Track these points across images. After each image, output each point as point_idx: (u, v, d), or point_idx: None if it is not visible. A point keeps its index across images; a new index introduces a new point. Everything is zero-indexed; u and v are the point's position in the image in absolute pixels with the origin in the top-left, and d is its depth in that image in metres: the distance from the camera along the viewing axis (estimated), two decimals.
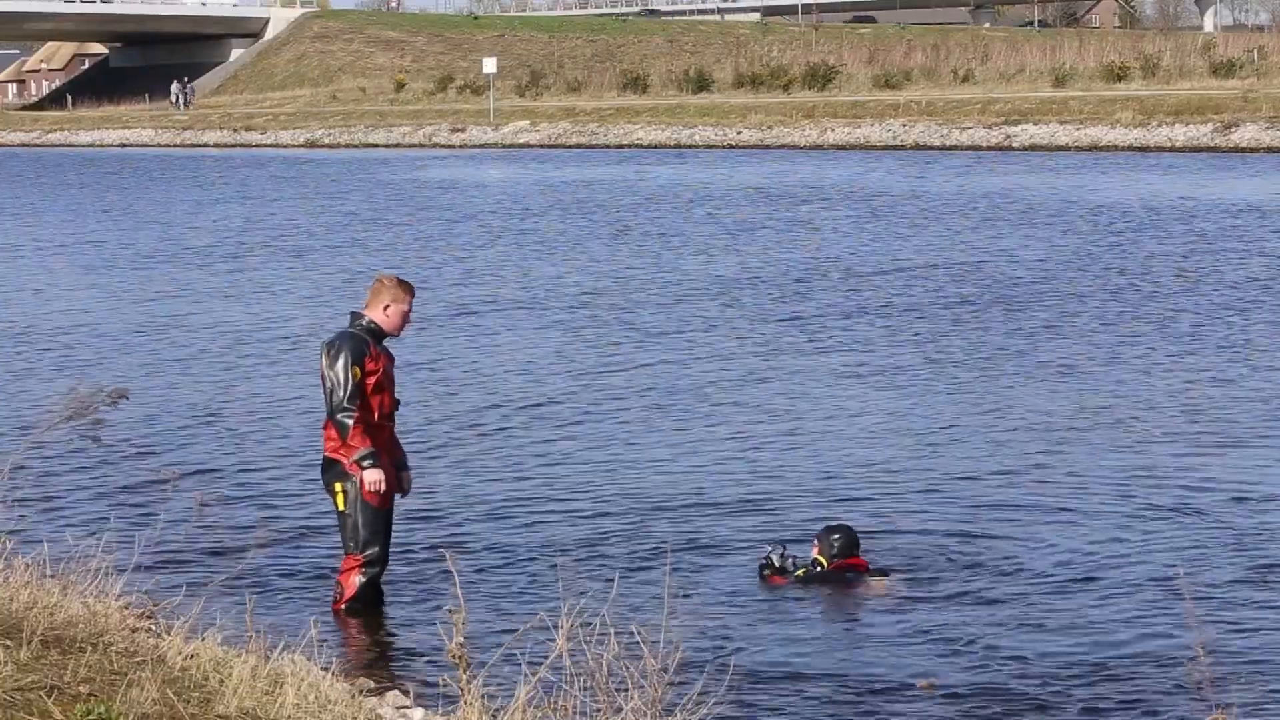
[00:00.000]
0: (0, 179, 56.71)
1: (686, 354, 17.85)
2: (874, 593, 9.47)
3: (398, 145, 67.69)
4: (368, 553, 9.17)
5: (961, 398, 15.10)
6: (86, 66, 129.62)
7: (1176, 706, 7.72)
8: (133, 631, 6.97)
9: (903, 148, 52.47)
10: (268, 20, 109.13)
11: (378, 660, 8.63)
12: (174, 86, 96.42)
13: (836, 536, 9.72)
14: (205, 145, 76.01)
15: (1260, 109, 47.67)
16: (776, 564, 9.65)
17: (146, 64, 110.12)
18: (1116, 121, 49.83)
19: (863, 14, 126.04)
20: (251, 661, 6.39)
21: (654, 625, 6.13)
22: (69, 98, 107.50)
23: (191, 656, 6.51)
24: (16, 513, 10.03)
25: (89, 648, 6.21)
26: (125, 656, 6.31)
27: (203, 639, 6.74)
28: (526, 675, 6.03)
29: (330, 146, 70.12)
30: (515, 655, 6.76)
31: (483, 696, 6.03)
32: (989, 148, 50.37)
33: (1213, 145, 46.03)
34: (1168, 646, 8.44)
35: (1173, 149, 46.48)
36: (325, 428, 9.16)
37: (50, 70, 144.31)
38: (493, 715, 6.09)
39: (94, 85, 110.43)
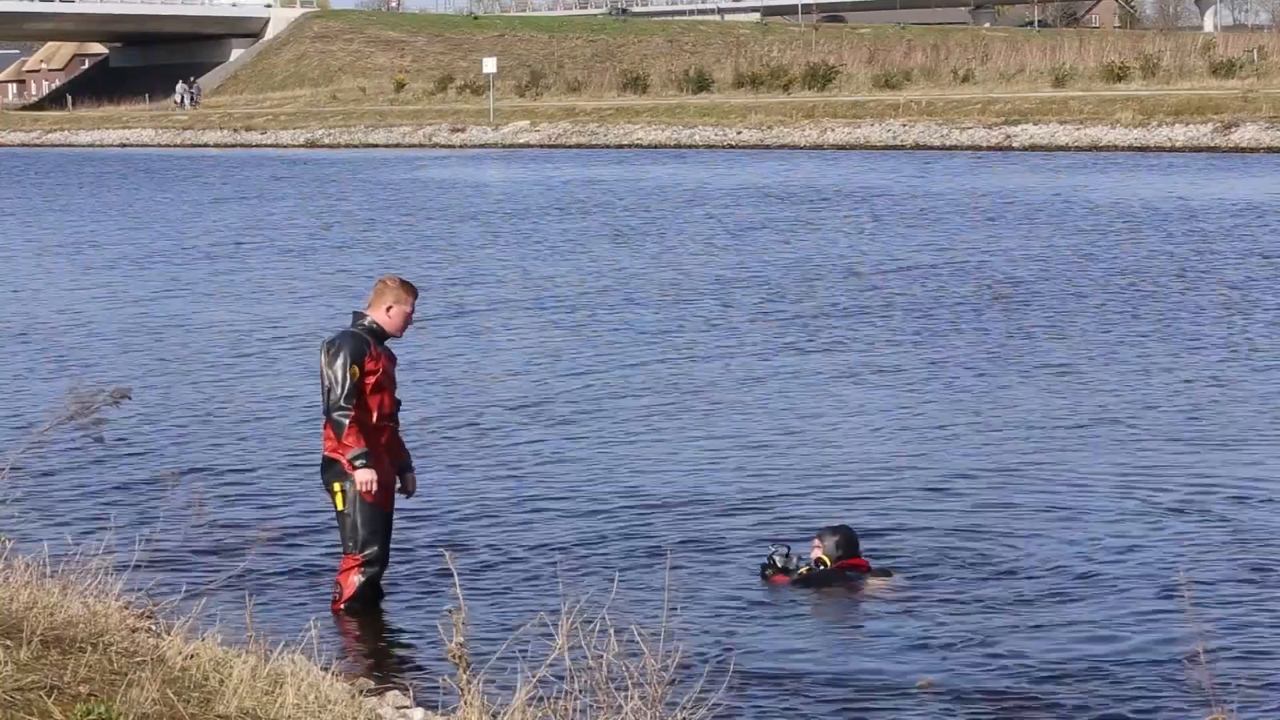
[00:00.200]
0: (0, 179, 56.71)
1: (686, 353, 17.86)
2: (875, 593, 9.47)
3: (398, 145, 67.69)
4: (366, 552, 9.17)
5: (961, 397, 15.10)
6: (86, 66, 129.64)
7: (1176, 706, 7.72)
8: (133, 631, 6.97)
9: (903, 148, 52.47)
10: (268, 20, 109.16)
11: (378, 660, 8.64)
12: (179, 86, 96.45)
13: (839, 536, 9.72)
14: (205, 145, 76.02)
15: (1260, 109, 47.67)
16: (780, 564, 9.65)
17: (146, 64, 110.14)
18: (1116, 121, 49.83)
19: (833, 14, 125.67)
20: (251, 661, 6.39)
21: (654, 625, 6.12)
22: (69, 98, 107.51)
23: (191, 656, 6.51)
24: (16, 513, 10.04)
25: (89, 648, 6.21)
26: (125, 656, 6.31)
27: (203, 639, 6.74)
28: (526, 675, 6.03)
29: (330, 146, 70.12)
30: (515, 655, 6.76)
31: (483, 696, 6.03)
32: (989, 148, 50.37)
33: (1213, 145, 46.03)
34: (1168, 646, 8.44)
35: (1173, 149, 46.48)
36: (325, 427, 9.16)
37: (50, 70, 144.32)
38: (493, 715, 6.09)
39: (94, 85, 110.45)
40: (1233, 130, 46.56)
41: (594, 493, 11.90)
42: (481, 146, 64.05)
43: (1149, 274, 22.76)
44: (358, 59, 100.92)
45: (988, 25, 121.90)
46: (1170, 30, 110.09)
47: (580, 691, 5.98)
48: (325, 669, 6.72)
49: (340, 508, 9.16)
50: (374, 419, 9.12)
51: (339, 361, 8.99)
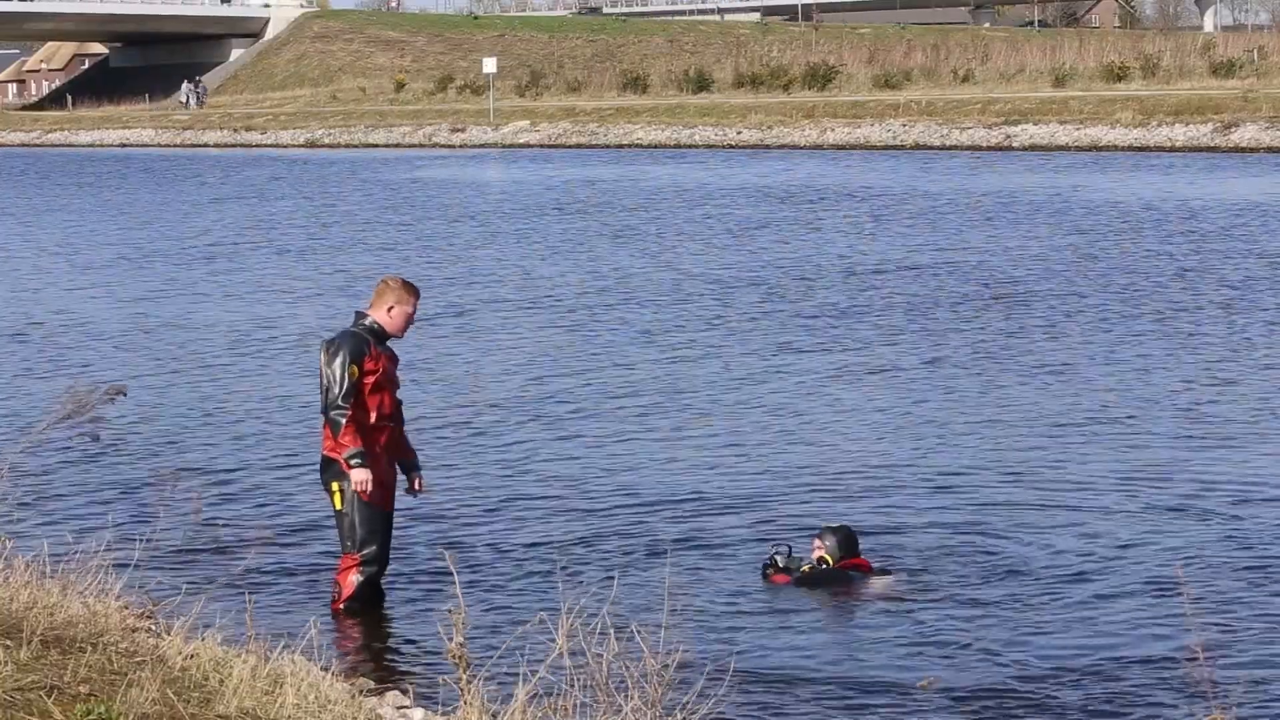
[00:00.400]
0: (0, 179, 56.70)
1: (686, 353, 17.85)
2: (876, 593, 9.47)
3: (398, 145, 67.69)
4: (365, 552, 9.17)
5: (961, 397, 15.09)
6: (86, 66, 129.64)
7: (1176, 706, 7.72)
8: (133, 631, 6.97)
9: (903, 148, 52.47)
10: (268, 20, 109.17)
11: (378, 660, 8.63)
12: (184, 85, 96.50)
13: (840, 536, 9.72)
14: (205, 145, 76.02)
15: (1260, 109, 47.66)
16: (781, 564, 9.65)
17: (146, 64, 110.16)
18: (1116, 121, 49.82)
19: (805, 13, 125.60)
20: (251, 661, 6.38)
21: (654, 625, 6.12)
22: (69, 98, 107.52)
23: (191, 656, 6.51)
24: (16, 512, 10.04)
25: (89, 648, 6.21)
26: (125, 656, 6.30)
27: (203, 639, 6.74)
28: (526, 675, 6.03)
29: (330, 146, 70.13)
30: (515, 655, 6.76)
31: (483, 696, 6.03)
32: (989, 148, 50.37)
33: (1213, 145, 46.02)
34: (1167, 646, 8.44)
35: (1173, 149, 46.47)
36: (324, 426, 9.17)
37: (50, 70, 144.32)
38: (493, 715, 6.09)
39: (94, 85, 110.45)
40: (1233, 130, 46.56)
41: (594, 492, 11.90)
42: (481, 146, 64.05)
43: (1149, 274, 22.76)
44: (358, 59, 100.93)
45: (988, 25, 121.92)
46: (1170, 30, 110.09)
47: (580, 691, 5.98)
48: (325, 669, 6.72)
49: (338, 507, 9.17)
50: (373, 419, 9.12)
51: (338, 361, 8.99)
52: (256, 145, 73.51)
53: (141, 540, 8.60)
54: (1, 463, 8.43)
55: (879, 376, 16.25)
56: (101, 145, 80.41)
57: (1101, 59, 65.78)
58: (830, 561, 9.62)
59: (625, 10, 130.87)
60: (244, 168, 57.15)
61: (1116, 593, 9.34)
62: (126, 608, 7.38)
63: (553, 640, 5.87)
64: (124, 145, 79.34)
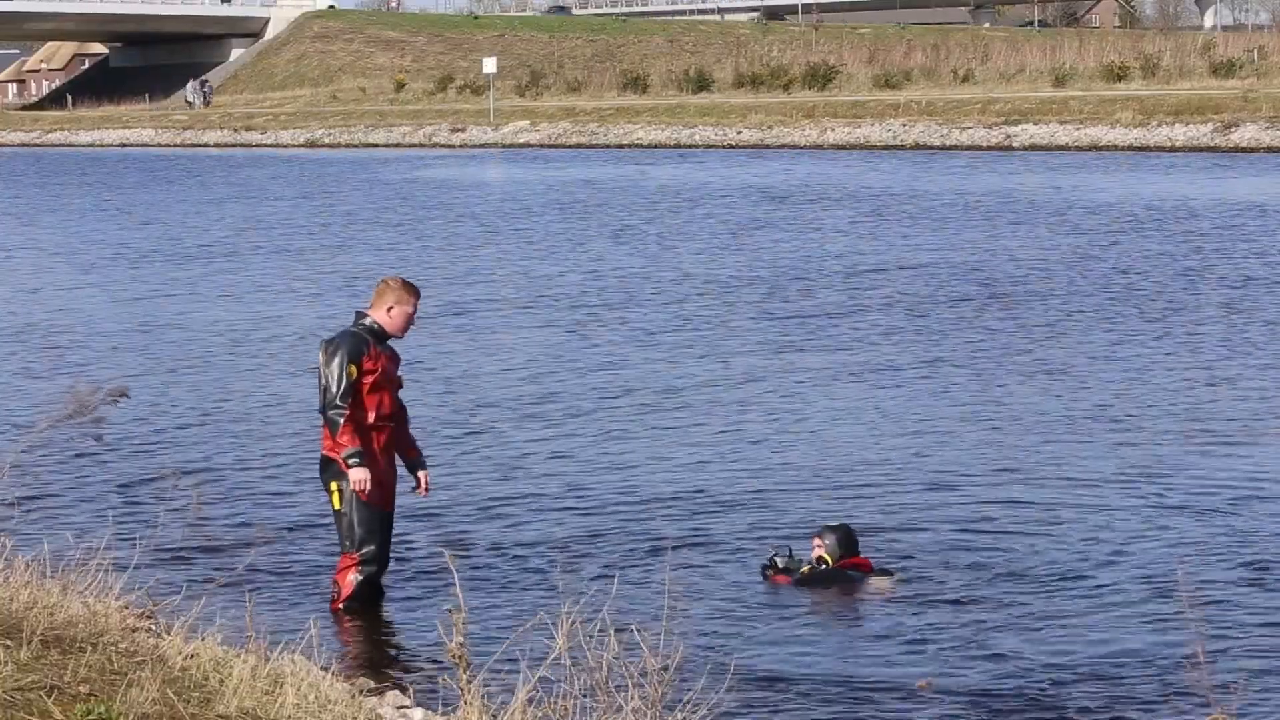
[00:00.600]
0: (0, 179, 56.70)
1: (686, 352, 17.85)
2: (876, 593, 9.47)
3: (398, 145, 67.70)
4: (364, 551, 9.17)
5: (961, 396, 15.09)
6: (86, 66, 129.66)
7: (1176, 706, 7.71)
8: (133, 631, 6.97)
9: (903, 148, 52.48)
10: (268, 20, 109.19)
11: (378, 660, 8.63)
12: (190, 85, 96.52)
13: (839, 535, 9.72)
14: (205, 145, 76.05)
15: (1260, 109, 47.67)
16: (781, 564, 9.65)
17: (146, 64, 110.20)
18: (1116, 121, 49.83)
19: (772, 13, 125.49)
20: (251, 661, 6.38)
21: (654, 625, 6.12)
22: (69, 98, 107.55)
23: (191, 656, 6.50)
24: (16, 512, 10.04)
25: (89, 648, 6.21)
26: (125, 656, 6.30)
27: (203, 639, 6.74)
28: (526, 675, 6.03)
29: (330, 146, 70.14)
30: (515, 655, 6.76)
31: (483, 696, 6.03)
32: (989, 148, 50.38)
33: (1213, 145, 46.03)
34: (1167, 646, 8.43)
35: (1173, 149, 46.48)
36: (324, 426, 9.17)
37: (50, 70, 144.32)
38: (493, 715, 6.09)
39: (94, 85, 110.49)
40: (1233, 130, 46.56)
41: (594, 492, 11.90)
42: (481, 146, 64.06)
43: (1149, 274, 22.76)
44: (358, 59, 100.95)
45: (988, 25, 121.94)
46: (1170, 30, 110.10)
47: (580, 691, 5.98)
48: (325, 669, 6.72)
49: (337, 507, 9.17)
50: (372, 419, 9.13)
51: (336, 360, 9.00)
52: (256, 145, 73.53)
53: (141, 540, 8.60)
54: (1, 463, 8.43)
55: (879, 376, 16.25)
56: (101, 145, 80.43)
57: (1101, 59, 65.81)
58: (830, 560, 9.62)
59: (653, 9, 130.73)
60: (244, 168, 57.14)
61: (1116, 593, 9.34)
62: (126, 608, 7.38)
63: (553, 640, 5.87)
64: (124, 145, 79.36)
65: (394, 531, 9.54)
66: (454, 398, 15.62)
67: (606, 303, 21.92)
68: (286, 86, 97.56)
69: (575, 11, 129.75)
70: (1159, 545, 10.23)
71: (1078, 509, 11.12)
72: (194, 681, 6.15)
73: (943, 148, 51.46)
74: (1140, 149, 47.09)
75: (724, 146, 56.80)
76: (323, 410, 9.06)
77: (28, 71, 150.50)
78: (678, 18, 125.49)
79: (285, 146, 71.84)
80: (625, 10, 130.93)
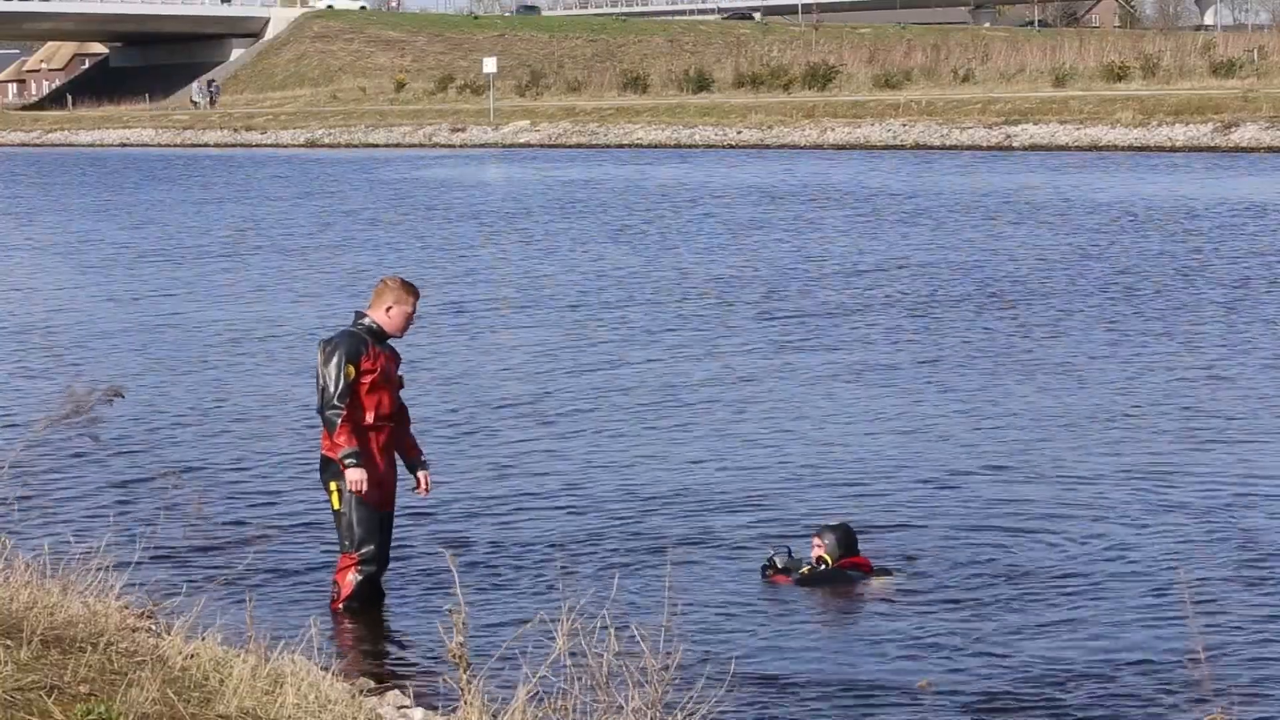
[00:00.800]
0: (0, 179, 56.70)
1: (686, 352, 17.85)
2: (876, 592, 9.47)
3: (398, 145, 67.71)
4: (363, 551, 9.17)
5: (961, 396, 15.09)
6: (86, 66, 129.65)
7: (1176, 706, 7.71)
8: (133, 631, 6.97)
9: (903, 148, 52.48)
10: (268, 20, 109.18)
11: (378, 660, 8.63)
12: (195, 85, 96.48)
13: (839, 534, 9.72)
14: (205, 145, 76.05)
15: (1260, 109, 47.67)
16: (781, 564, 9.65)
17: (146, 64, 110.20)
18: (1116, 121, 49.83)
19: (741, 13, 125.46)
20: (251, 661, 6.38)
21: (654, 625, 6.12)
22: (69, 98, 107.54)
23: (191, 656, 6.50)
24: (16, 513, 10.04)
25: (89, 648, 6.21)
26: (125, 656, 6.30)
27: (203, 639, 6.74)
28: (526, 675, 6.03)
29: (330, 146, 70.15)
30: (515, 655, 6.76)
31: (483, 696, 6.02)
32: (989, 148, 50.38)
33: (1213, 145, 46.03)
34: (1167, 646, 8.43)
35: (1173, 149, 46.48)
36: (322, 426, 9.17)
37: (50, 70, 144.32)
38: (493, 715, 6.09)
39: (94, 85, 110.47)
40: (1233, 130, 46.56)
41: (594, 491, 11.90)
42: (481, 146, 64.06)
43: (1149, 273, 22.76)
44: (358, 59, 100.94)
45: (988, 25, 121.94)
46: (1170, 30, 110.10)
47: (580, 691, 5.98)
48: (325, 669, 6.72)
49: (336, 507, 9.17)
50: (371, 419, 9.12)
51: (334, 360, 8.99)
52: (256, 145, 73.54)
53: (141, 540, 8.60)
54: (1, 462, 8.43)
55: (878, 375, 16.24)
56: (101, 145, 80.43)
57: (1101, 59, 65.83)
58: (829, 560, 9.61)
59: (653, 9, 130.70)
60: (244, 167, 57.15)
61: (1116, 593, 9.34)
62: (126, 608, 7.38)
63: (553, 640, 5.87)
64: (124, 145, 79.37)
65: (394, 531, 9.54)
66: (454, 397, 15.62)
67: (606, 302, 21.92)
68: (286, 86, 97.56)
69: (545, 13, 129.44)
70: (1159, 545, 10.23)
71: (1077, 509, 11.12)
72: (194, 681, 6.15)
73: (943, 148, 51.46)
74: (1140, 149, 47.09)
75: (724, 146, 56.80)
76: (320, 410, 9.06)
77: (28, 71, 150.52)
78: (678, 18, 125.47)
79: (285, 146, 71.84)
80: (625, 10, 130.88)
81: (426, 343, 18.15)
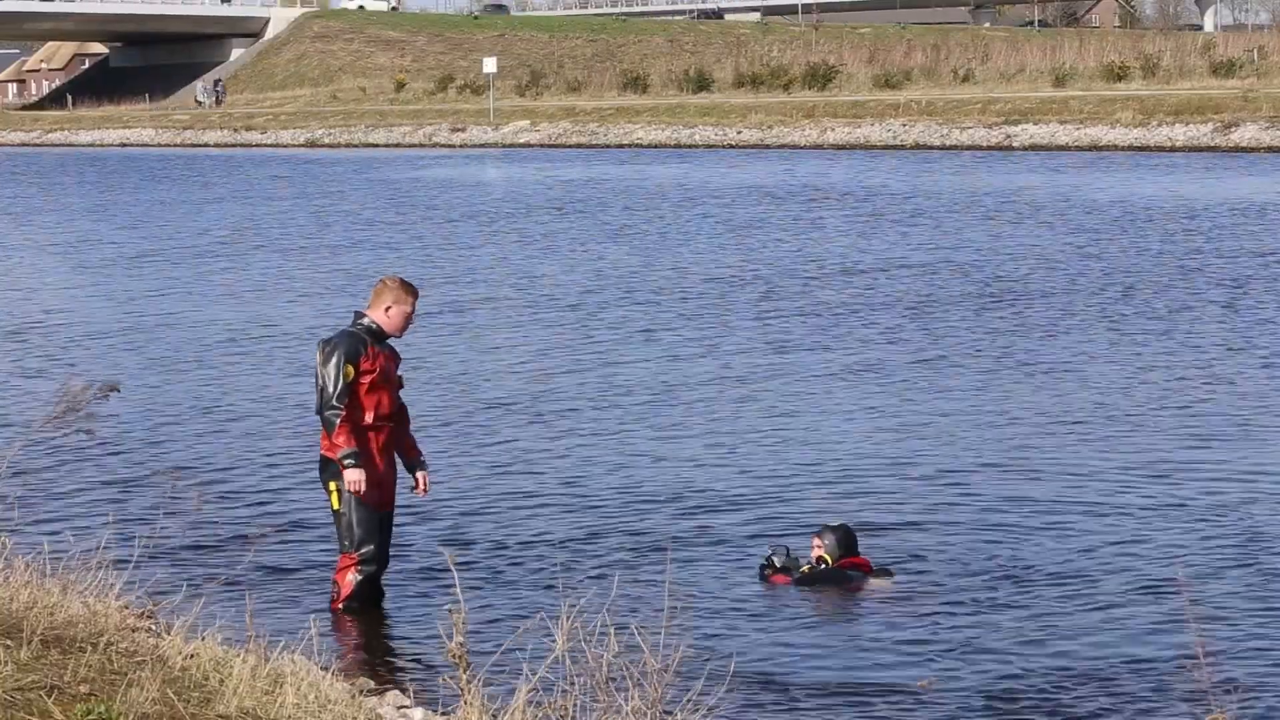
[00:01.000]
0: (0, 179, 56.71)
1: (686, 351, 17.85)
2: (875, 592, 9.46)
3: (398, 145, 67.72)
4: (363, 551, 9.17)
5: (961, 396, 15.09)
6: (86, 66, 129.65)
7: (1176, 707, 7.71)
8: (133, 631, 6.97)
9: (903, 148, 52.48)
10: (268, 20, 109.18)
11: (378, 660, 8.63)
12: (199, 84, 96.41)
13: (838, 534, 9.72)
14: (205, 145, 76.06)
15: (1260, 109, 47.68)
16: (779, 564, 9.64)
17: (146, 64, 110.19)
18: (1116, 121, 49.84)
19: (710, 13, 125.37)
20: (251, 661, 6.38)
21: (654, 625, 6.12)
22: (69, 97, 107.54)
23: (191, 656, 6.50)
24: (16, 512, 10.03)
25: (89, 648, 6.21)
26: (125, 656, 6.30)
27: (203, 639, 6.74)
28: (527, 675, 6.03)
29: (330, 146, 70.15)
30: (515, 655, 6.76)
31: (483, 696, 6.03)
32: (989, 148, 50.38)
33: (1213, 145, 46.04)
34: (1167, 647, 8.43)
35: (1173, 149, 46.49)
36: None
37: (50, 70, 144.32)
38: (493, 715, 6.09)
39: (94, 85, 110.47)
40: (1233, 130, 46.57)
41: (593, 491, 11.90)
42: (481, 146, 64.06)
43: (1148, 273, 22.76)
44: (358, 59, 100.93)
45: (988, 25, 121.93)
46: (1170, 30, 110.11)
47: (580, 691, 5.98)
48: (325, 669, 6.72)
49: (336, 507, 9.17)
50: (370, 419, 9.12)
51: (333, 361, 8.99)
52: (256, 145, 73.55)
53: (141, 539, 8.60)
54: (1, 462, 8.42)
55: (879, 375, 16.24)
56: (101, 145, 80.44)
57: (1101, 59, 65.83)
58: (829, 560, 9.61)
59: (653, 9, 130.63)
60: (244, 167, 57.15)
61: (1117, 593, 9.34)
62: (126, 608, 7.38)
63: (553, 640, 5.87)
64: (124, 145, 79.37)
65: (394, 531, 9.54)
66: (453, 397, 15.62)
67: (606, 302, 21.93)
68: (286, 86, 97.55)
69: (514, 13, 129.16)
70: (1160, 545, 10.23)
71: (1077, 508, 11.12)
72: (194, 681, 6.15)
73: (943, 148, 51.46)
74: (1140, 149, 47.09)
75: (724, 146, 56.81)
76: (319, 411, 9.06)
77: (28, 71, 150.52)
78: (677, 18, 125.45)
79: (285, 146, 71.85)
80: (625, 10, 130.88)
81: (426, 342, 18.15)
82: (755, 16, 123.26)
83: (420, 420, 13.89)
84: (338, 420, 8.96)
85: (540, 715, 6.00)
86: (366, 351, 9.09)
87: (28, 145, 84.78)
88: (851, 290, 22.29)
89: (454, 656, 5.91)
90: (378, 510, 9.21)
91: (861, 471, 12.39)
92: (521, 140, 63.63)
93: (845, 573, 9.59)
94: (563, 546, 10.39)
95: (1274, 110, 47.16)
